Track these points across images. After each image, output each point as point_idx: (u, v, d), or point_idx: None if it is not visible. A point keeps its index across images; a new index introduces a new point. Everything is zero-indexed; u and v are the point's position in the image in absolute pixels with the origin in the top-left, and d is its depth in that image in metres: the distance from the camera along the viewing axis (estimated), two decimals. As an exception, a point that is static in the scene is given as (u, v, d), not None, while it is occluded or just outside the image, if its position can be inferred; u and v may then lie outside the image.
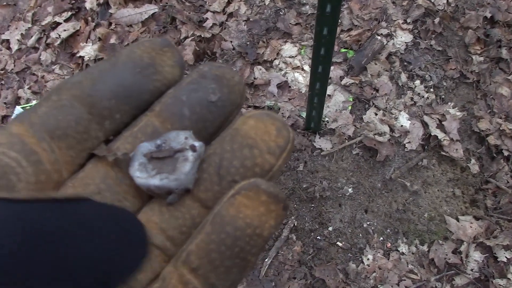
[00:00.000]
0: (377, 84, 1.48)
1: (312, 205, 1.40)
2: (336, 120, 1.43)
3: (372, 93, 1.47)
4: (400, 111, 1.43)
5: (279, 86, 1.49)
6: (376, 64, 1.50)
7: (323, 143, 1.42)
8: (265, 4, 1.63)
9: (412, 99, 1.44)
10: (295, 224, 1.39)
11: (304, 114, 1.43)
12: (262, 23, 1.60)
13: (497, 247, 1.30)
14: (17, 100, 1.68)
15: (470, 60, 1.51)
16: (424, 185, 1.38)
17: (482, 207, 1.37)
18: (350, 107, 1.45)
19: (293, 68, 1.51)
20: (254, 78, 1.50)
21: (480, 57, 1.51)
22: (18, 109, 1.63)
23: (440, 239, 1.34)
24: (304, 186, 1.41)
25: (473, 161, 1.40)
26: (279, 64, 1.53)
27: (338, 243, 1.37)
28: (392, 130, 1.41)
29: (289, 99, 1.48)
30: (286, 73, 1.51)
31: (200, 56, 1.57)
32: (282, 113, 1.45)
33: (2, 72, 1.73)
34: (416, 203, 1.37)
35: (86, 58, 1.63)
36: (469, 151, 1.42)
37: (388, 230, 1.36)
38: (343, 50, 1.53)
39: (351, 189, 1.40)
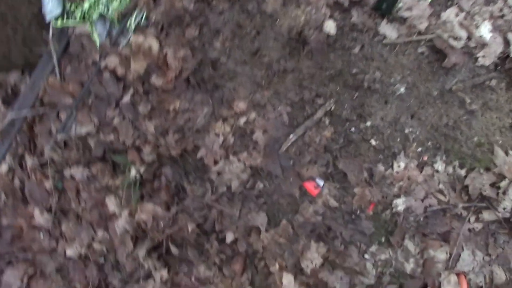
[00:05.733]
0: (466, -15, 1.27)
1: (356, 93, 1.24)
2: (411, 9, 1.24)
3: (458, -7, 1.27)
4: (484, 20, 1.24)
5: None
6: (472, -38, 1.29)
7: (389, 31, 1.24)
8: None
9: (501, 10, 1.25)
10: (332, 109, 1.24)
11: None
12: None
13: (541, 191, 1.18)
14: None
15: None
16: (484, 107, 1.22)
17: (535, 149, 1.23)
18: None
19: None
20: None
21: None
22: None
23: (482, 168, 1.21)
24: (354, 71, 1.24)
25: (543, 98, 1.24)
26: None
27: (372, 140, 1.23)
28: (469, 38, 1.23)
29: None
30: None
31: None
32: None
33: None
34: (468, 124, 1.22)
35: None
36: (542, 87, 1.25)
37: (429, 143, 1.22)
38: None
39: (403, 88, 1.23)
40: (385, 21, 1.24)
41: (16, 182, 1.35)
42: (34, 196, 1.33)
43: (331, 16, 1.25)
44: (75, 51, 1.27)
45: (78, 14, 1.24)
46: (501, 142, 1.22)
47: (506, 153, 1.21)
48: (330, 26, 1.25)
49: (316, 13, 1.26)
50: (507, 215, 1.19)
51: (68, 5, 1.25)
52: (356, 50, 1.24)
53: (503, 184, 1.19)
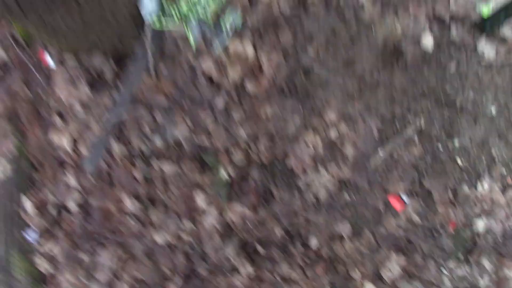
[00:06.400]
0: None
1: (447, 112, 1.25)
2: (514, 30, 1.22)
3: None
4: None
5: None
6: None
7: (487, 49, 1.23)
8: None
9: None
10: (422, 127, 1.26)
11: (480, 7, 1.21)
12: None
13: None
14: None
15: None
16: None
17: None
18: (532, 20, 1.23)
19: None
20: None
21: None
22: None
23: (563, 193, 1.24)
24: (447, 89, 1.24)
25: None
26: None
27: (458, 160, 1.25)
28: None
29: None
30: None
31: None
32: (459, -1, 1.22)
33: None
34: (555, 149, 1.24)
35: None
36: None
37: (515, 166, 1.25)
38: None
39: (494, 109, 1.24)
40: (484, 39, 1.22)
41: (103, 165, 1.39)
42: (122, 182, 1.38)
43: (430, 30, 1.24)
44: (170, 52, 1.27)
45: (175, 14, 1.22)
46: None
47: None
48: (428, 41, 1.23)
49: (414, 26, 1.24)
50: None
51: (165, 4, 1.22)
52: (452, 67, 1.24)
53: None
